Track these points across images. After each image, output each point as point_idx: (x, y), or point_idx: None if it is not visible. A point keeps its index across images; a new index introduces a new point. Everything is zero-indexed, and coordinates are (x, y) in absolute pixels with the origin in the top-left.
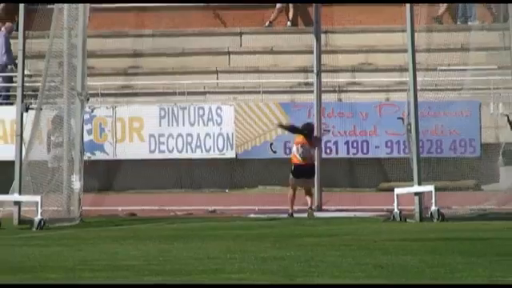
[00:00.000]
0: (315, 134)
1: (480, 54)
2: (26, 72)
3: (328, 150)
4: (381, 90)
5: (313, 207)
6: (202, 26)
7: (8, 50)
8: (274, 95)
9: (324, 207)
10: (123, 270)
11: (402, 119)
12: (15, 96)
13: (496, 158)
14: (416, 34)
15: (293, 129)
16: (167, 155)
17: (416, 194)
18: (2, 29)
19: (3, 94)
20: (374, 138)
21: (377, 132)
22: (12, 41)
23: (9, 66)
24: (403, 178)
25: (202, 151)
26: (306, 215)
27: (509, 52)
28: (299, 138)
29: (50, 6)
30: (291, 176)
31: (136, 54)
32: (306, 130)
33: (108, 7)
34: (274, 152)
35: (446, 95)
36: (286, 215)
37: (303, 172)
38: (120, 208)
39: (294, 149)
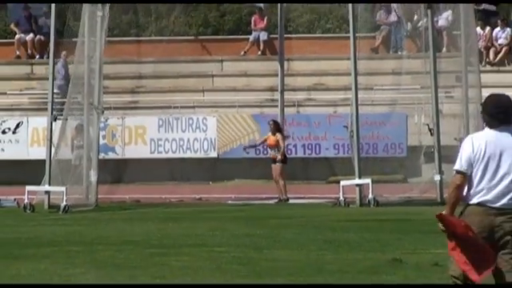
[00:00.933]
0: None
1: (407, 77)
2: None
3: (289, 151)
4: (330, 104)
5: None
6: (192, 54)
7: (67, 73)
8: (248, 109)
9: None
10: (130, 244)
11: (347, 127)
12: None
13: (419, 157)
14: (358, 61)
15: (259, 144)
16: (164, 155)
17: (357, 185)
18: (62, 56)
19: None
20: (325, 142)
21: (327, 137)
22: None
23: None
24: (347, 173)
25: (191, 152)
26: (272, 202)
27: (429, 75)
28: (273, 140)
29: (74, 39)
30: (283, 166)
31: (141, 77)
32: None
33: (120, 40)
34: (247, 153)
35: (380, 109)
36: (273, 201)
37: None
38: (127, 196)
39: (281, 147)
